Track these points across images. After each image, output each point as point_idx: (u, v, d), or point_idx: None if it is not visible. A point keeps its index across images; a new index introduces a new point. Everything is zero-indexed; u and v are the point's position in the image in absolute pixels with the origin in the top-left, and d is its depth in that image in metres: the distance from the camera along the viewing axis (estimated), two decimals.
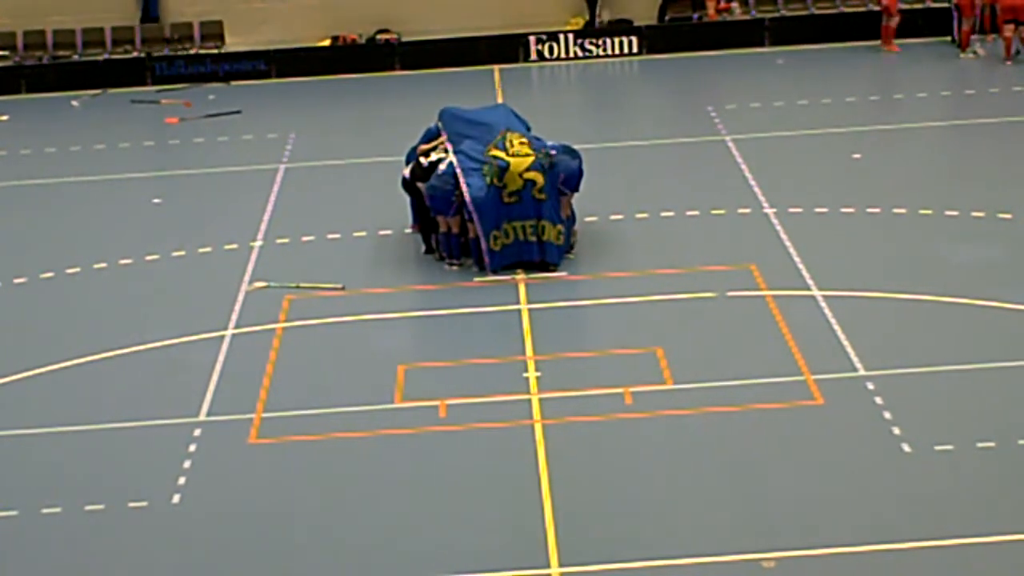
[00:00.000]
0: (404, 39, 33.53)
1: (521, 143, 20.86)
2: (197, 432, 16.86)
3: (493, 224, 20.55)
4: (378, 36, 33.80)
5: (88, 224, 24.16)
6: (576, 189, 21.14)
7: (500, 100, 28.81)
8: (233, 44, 33.65)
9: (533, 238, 20.72)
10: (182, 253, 22.28)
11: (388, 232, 22.51)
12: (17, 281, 21.63)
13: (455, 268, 20.99)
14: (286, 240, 22.58)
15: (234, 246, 22.40)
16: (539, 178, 20.60)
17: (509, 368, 18.04)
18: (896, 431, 16.04)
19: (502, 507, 15.05)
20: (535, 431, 16.48)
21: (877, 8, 33.34)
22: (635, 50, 32.93)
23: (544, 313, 19.62)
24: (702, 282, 20.13)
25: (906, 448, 15.70)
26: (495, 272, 20.67)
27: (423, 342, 19.56)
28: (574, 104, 31.13)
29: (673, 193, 23.69)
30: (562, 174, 20.86)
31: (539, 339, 18.76)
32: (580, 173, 21.06)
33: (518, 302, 19.94)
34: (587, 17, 33.91)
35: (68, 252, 22.55)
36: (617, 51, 32.93)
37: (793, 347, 18.06)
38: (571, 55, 32.93)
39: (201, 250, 22.34)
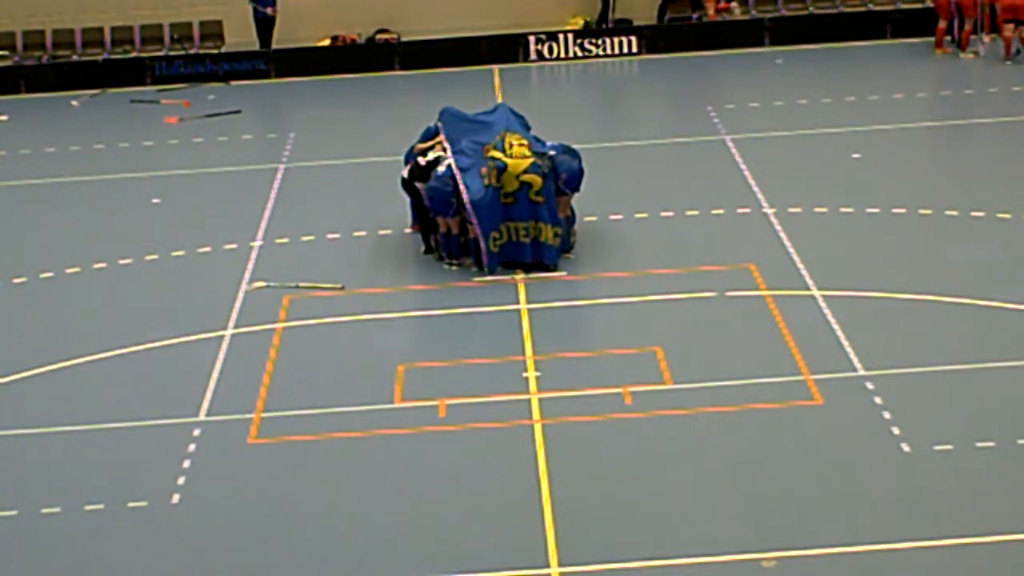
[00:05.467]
0: (404, 39, 33.55)
1: (520, 144, 20.84)
2: (197, 432, 16.87)
3: (492, 225, 20.55)
4: (378, 36, 33.81)
5: (88, 224, 24.17)
6: (577, 189, 21.15)
7: (500, 100, 28.79)
8: (233, 44, 33.65)
9: (527, 239, 20.71)
10: (182, 253, 22.28)
11: (388, 232, 22.52)
12: (17, 281, 21.64)
13: (455, 268, 21.00)
14: (286, 240, 22.59)
15: (234, 246, 22.41)
16: (536, 180, 20.59)
17: (509, 368, 18.05)
18: (896, 431, 16.04)
19: (502, 507, 15.06)
20: (535, 431, 16.49)
21: (874, 8, 33.39)
22: (635, 50, 32.93)
23: (544, 313, 19.62)
24: (702, 282, 20.13)
25: (906, 448, 15.71)
26: (493, 272, 20.68)
27: (423, 342, 19.57)
28: (574, 104, 31.12)
29: (673, 193, 23.69)
30: (564, 174, 20.87)
31: (539, 339, 18.77)
32: (581, 173, 21.07)
33: (518, 302, 19.94)
34: (588, 16, 33.90)
35: (68, 252, 22.55)
36: (617, 51, 32.94)
37: (792, 347, 18.07)
38: (571, 55, 32.94)
39: (201, 250, 22.35)
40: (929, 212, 22.26)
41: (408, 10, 34.19)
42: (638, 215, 22.74)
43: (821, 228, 21.94)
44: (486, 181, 20.51)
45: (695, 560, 13.99)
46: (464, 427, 16.72)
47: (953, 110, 28.25)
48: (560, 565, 14.03)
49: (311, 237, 22.63)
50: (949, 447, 15.67)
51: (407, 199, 21.85)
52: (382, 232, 22.55)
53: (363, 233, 22.58)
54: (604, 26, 33.49)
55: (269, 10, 32.84)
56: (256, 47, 33.19)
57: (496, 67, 32.52)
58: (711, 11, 33.57)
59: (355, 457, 16.27)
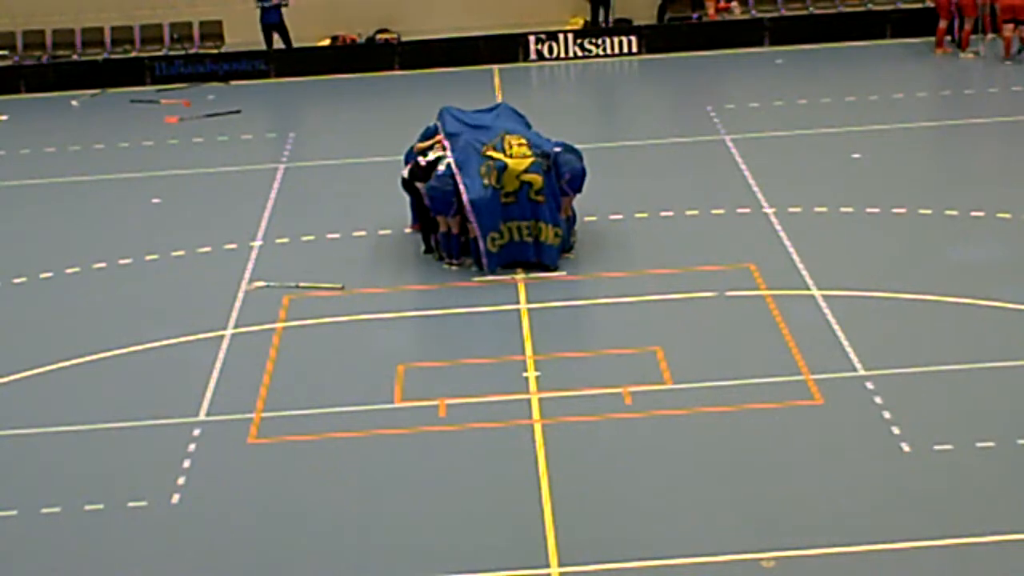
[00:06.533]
0: (404, 39, 33.56)
1: (520, 145, 20.84)
2: (197, 432, 16.87)
3: (492, 225, 20.55)
4: (378, 36, 33.82)
5: (88, 224, 24.16)
6: (580, 190, 21.15)
7: (500, 100, 28.78)
8: (233, 44, 33.64)
9: (529, 239, 20.72)
10: (182, 253, 22.28)
11: (388, 232, 22.52)
12: (17, 281, 21.64)
13: (455, 268, 21.00)
14: (286, 240, 22.59)
15: (234, 246, 22.41)
16: (536, 180, 20.59)
17: (509, 368, 18.05)
18: (895, 431, 16.05)
19: (502, 507, 15.05)
20: (535, 431, 16.49)
21: (874, 8, 33.41)
22: (635, 50, 32.94)
23: (544, 313, 19.62)
24: (701, 282, 20.14)
25: (905, 448, 15.71)
26: (493, 272, 20.68)
27: (423, 342, 19.57)
28: (574, 104, 31.12)
29: (672, 193, 23.70)
30: (568, 174, 20.86)
31: (538, 339, 18.77)
32: (584, 173, 21.07)
33: (518, 302, 19.95)
34: (588, 16, 33.92)
35: (68, 252, 22.55)
36: (617, 51, 32.94)
37: (792, 347, 18.07)
38: (571, 55, 32.95)
39: (201, 250, 22.35)
40: (929, 212, 22.26)
41: (408, 10, 34.21)
42: (638, 215, 22.74)
43: (821, 228, 21.95)
44: (486, 181, 20.51)
45: (695, 560, 13.99)
46: (464, 427, 16.72)
47: (953, 110, 28.25)
48: (560, 565, 14.03)
49: (311, 237, 22.63)
50: (949, 447, 15.67)
51: (407, 199, 21.85)
52: (382, 232, 22.55)
53: (363, 233, 22.58)
54: (605, 23, 33.47)
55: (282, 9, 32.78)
56: (256, 47, 33.17)
57: (496, 67, 32.53)
58: (711, 11, 33.57)
59: (355, 457, 16.27)
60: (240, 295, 20.56)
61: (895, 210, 22.37)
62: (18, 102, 32.05)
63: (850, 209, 22.50)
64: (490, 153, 20.73)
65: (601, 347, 18.55)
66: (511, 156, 20.64)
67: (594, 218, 22.43)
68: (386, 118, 29.14)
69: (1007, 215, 21.92)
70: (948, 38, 31.59)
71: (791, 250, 21.02)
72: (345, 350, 18.92)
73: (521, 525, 14.67)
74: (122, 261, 22.10)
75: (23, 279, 21.67)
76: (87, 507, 15.44)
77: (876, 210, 22.40)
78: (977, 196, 22.72)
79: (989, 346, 17.88)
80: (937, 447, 15.68)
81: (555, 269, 20.75)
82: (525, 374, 17.85)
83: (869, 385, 17.07)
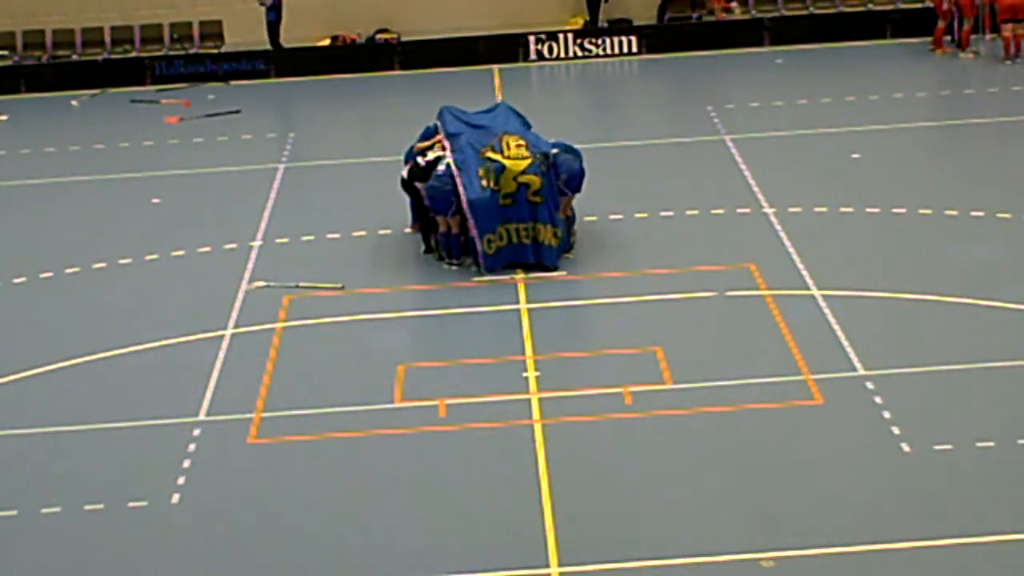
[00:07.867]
0: (404, 39, 33.56)
1: (518, 146, 20.83)
2: (196, 432, 16.87)
3: (489, 227, 20.54)
4: (377, 36, 33.82)
5: (88, 224, 24.16)
6: (578, 190, 21.15)
7: (500, 100, 28.77)
8: (233, 44, 33.65)
9: (527, 240, 20.71)
10: (182, 253, 22.29)
11: (388, 232, 22.52)
12: (17, 281, 21.64)
13: (455, 268, 21.00)
14: (286, 240, 22.59)
15: (233, 246, 22.41)
16: (535, 181, 20.58)
17: (508, 368, 18.05)
18: (895, 431, 16.05)
19: (502, 507, 15.06)
20: (534, 431, 16.48)
21: (874, 8, 33.41)
22: (635, 50, 32.94)
23: (543, 313, 19.63)
24: (701, 282, 20.13)
25: (905, 447, 15.71)
26: (492, 272, 20.68)
27: (423, 342, 19.57)
28: (574, 104, 31.14)
29: (672, 193, 23.70)
30: (565, 175, 20.87)
31: (538, 339, 18.77)
32: (582, 173, 21.08)
33: (517, 302, 19.95)
34: (587, 17, 33.92)
35: (68, 252, 22.55)
36: (617, 51, 32.95)
37: (792, 347, 18.07)
38: (571, 55, 32.95)
39: (201, 250, 22.35)
40: (929, 212, 22.26)
41: (408, 10, 34.21)
42: (638, 215, 22.74)
43: (821, 228, 21.95)
44: (484, 183, 20.51)
45: (695, 560, 13.99)
46: (464, 427, 16.72)
47: (953, 110, 28.26)
48: (560, 565, 14.03)
49: (311, 237, 22.63)
50: (949, 447, 15.68)
51: (407, 199, 21.85)
52: (382, 232, 22.55)
53: (363, 233, 22.59)
54: (592, 27, 33.48)
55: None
56: (256, 47, 33.16)
57: (496, 67, 32.53)
58: (719, 12, 33.56)
59: (355, 457, 16.27)
60: (240, 295, 20.56)
61: (895, 210, 22.37)
62: (18, 102, 32.05)
63: (850, 209, 22.50)
64: (488, 155, 20.72)
65: (601, 347, 18.56)
66: (509, 157, 20.64)
67: (594, 218, 22.43)
68: (386, 118, 29.13)
69: (1007, 215, 21.92)
70: (948, 38, 31.60)
71: (791, 250, 21.02)
72: (345, 350, 18.92)
73: (521, 525, 14.67)
74: (122, 261, 22.10)
75: (23, 279, 21.67)
76: (87, 507, 15.44)
77: (876, 210, 22.41)
78: (977, 196, 22.72)
79: (989, 346, 17.88)
80: (937, 447, 15.68)
81: (555, 269, 20.75)
82: (525, 374, 17.85)
83: (869, 385, 17.07)
